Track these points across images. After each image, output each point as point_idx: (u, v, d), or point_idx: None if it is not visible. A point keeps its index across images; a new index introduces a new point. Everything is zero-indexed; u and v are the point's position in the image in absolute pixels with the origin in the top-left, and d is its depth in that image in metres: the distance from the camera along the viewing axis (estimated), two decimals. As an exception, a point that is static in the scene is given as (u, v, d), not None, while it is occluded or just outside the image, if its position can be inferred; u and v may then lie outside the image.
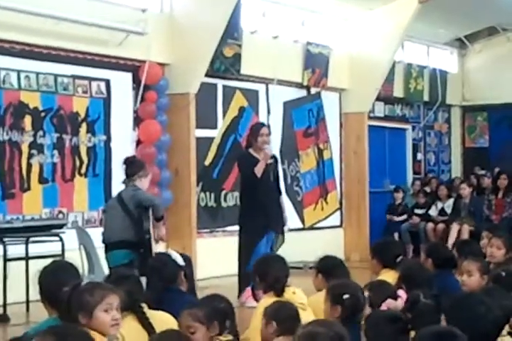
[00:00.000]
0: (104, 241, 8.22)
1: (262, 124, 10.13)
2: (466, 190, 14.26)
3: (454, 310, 3.79)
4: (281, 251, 8.76)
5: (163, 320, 4.71)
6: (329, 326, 3.72)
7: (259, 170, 9.28)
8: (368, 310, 4.63)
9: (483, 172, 16.37)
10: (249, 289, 9.23)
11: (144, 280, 5.31)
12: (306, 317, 4.91)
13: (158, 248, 8.32)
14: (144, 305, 4.72)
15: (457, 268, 6.56)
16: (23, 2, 9.39)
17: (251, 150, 9.47)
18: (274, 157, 9.74)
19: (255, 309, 5.44)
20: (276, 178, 9.66)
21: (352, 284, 4.89)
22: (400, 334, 3.93)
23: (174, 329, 4.25)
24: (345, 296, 4.59)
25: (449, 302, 3.92)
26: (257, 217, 9.24)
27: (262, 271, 5.57)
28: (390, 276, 5.86)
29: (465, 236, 13.57)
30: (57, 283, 4.20)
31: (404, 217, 14.84)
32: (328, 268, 5.85)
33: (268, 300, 5.22)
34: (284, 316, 4.52)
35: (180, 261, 5.65)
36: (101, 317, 4.00)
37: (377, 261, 6.25)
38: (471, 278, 5.78)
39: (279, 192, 9.76)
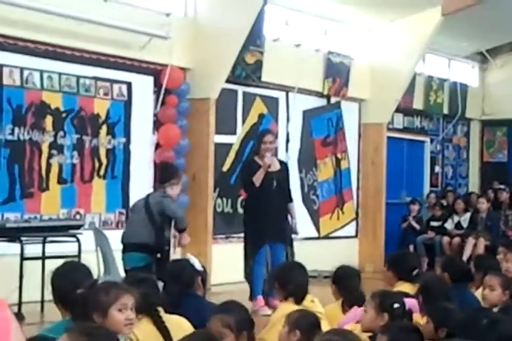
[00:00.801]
0: (122, 241, 8.23)
1: (268, 131, 10.05)
2: (484, 205, 14.21)
3: (463, 325, 3.77)
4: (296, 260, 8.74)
5: (178, 324, 4.71)
6: (345, 335, 3.74)
7: (257, 178, 9.16)
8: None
9: (501, 186, 16.30)
10: (260, 298, 9.23)
11: (160, 284, 5.31)
12: (323, 326, 4.91)
13: (176, 254, 8.33)
14: (160, 308, 4.71)
15: (473, 283, 6.55)
16: (49, 3, 9.43)
17: (256, 158, 9.37)
18: (282, 163, 9.62)
19: (274, 313, 5.44)
20: (285, 185, 9.49)
21: (399, 293, 4.91)
22: None
23: (207, 330, 4.22)
24: (396, 305, 4.61)
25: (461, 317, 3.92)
26: (256, 227, 9.18)
27: (282, 277, 5.56)
28: (405, 288, 5.82)
29: (480, 250, 13.51)
30: (70, 284, 4.18)
31: (418, 226, 14.78)
32: (341, 279, 5.85)
33: (288, 306, 5.21)
34: (307, 325, 4.52)
35: (198, 266, 5.66)
36: (115, 317, 4.00)
37: (393, 272, 6.20)
38: (493, 292, 5.76)
39: (290, 200, 9.59)
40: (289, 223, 9.57)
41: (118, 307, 4.01)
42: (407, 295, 5.17)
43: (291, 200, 9.64)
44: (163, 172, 8.69)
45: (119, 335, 4.04)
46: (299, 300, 5.38)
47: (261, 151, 9.27)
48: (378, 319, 4.59)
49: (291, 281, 5.42)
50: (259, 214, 9.17)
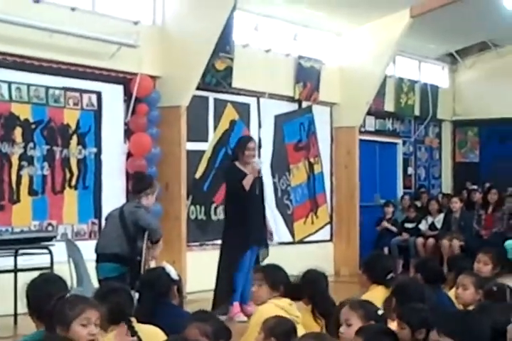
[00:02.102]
0: (96, 251, 8.20)
1: (250, 138, 10.09)
2: (457, 204, 14.29)
3: (448, 326, 3.78)
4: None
5: (152, 334, 4.70)
6: (321, 338, 3.76)
7: (247, 183, 9.24)
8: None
9: (474, 187, 16.40)
10: (236, 304, 9.23)
11: (135, 294, 5.29)
12: (299, 331, 4.93)
13: (152, 264, 8.31)
14: (132, 318, 4.71)
15: (447, 283, 6.60)
16: (15, 14, 9.39)
17: (237, 164, 9.43)
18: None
19: (252, 317, 5.46)
20: (261, 192, 9.59)
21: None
22: None
23: (183, 337, 4.22)
24: (380, 312, 4.64)
25: (443, 318, 3.93)
26: (241, 232, 9.20)
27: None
28: (378, 292, 5.86)
29: (456, 251, 13.60)
30: (45, 295, 4.18)
31: (395, 229, 14.84)
32: (308, 283, 5.88)
33: (267, 309, 5.24)
34: (283, 333, 4.53)
35: (174, 274, 5.63)
36: (77, 331, 4.00)
37: (367, 276, 6.23)
38: (465, 291, 5.85)
39: (264, 206, 9.70)
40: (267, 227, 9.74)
41: (81, 322, 4.01)
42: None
43: (264, 207, 9.77)
44: (138, 183, 8.67)
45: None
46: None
47: (244, 157, 9.34)
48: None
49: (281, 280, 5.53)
50: (245, 219, 9.23)
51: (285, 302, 5.51)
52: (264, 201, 9.73)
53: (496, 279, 6.04)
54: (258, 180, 9.47)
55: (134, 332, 4.57)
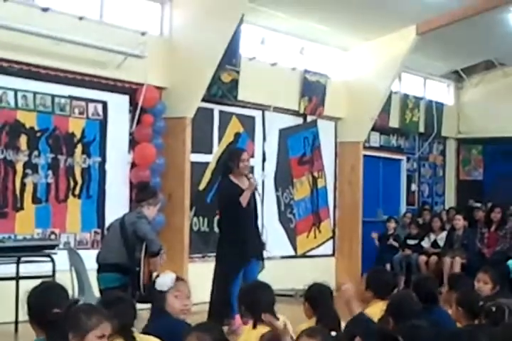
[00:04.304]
0: (97, 261, 8.17)
1: (242, 149, 10.06)
2: (460, 222, 14.26)
3: None
4: (272, 278, 8.69)
5: None
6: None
7: (244, 199, 9.13)
8: None
9: (478, 205, 16.37)
10: (238, 317, 9.18)
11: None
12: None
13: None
14: (134, 329, 4.68)
15: (446, 302, 6.54)
16: (23, 22, 9.41)
17: (232, 177, 9.27)
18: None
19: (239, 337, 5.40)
20: (255, 205, 9.51)
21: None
22: None
23: None
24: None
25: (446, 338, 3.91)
26: (238, 247, 9.13)
27: (247, 299, 5.50)
28: (379, 307, 5.80)
29: (457, 269, 13.55)
30: (46, 304, 4.15)
31: (397, 244, 14.80)
32: (314, 297, 5.81)
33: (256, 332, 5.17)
34: None
35: (169, 283, 5.55)
36: None
37: (373, 291, 6.17)
38: (486, 285, 6.04)
39: (256, 218, 9.63)
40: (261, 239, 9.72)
41: (97, 334, 3.99)
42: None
43: (257, 218, 9.74)
44: (141, 192, 8.65)
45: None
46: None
47: (239, 169, 9.22)
48: None
49: (258, 305, 5.34)
50: (242, 233, 9.16)
51: (280, 322, 5.43)
52: (257, 213, 9.63)
53: (497, 300, 5.99)
54: (251, 195, 9.37)
55: None
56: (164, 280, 5.51)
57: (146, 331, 4.97)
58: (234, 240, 9.20)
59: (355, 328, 4.81)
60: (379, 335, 4.12)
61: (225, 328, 9.00)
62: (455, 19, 13.74)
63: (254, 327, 5.21)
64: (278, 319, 5.35)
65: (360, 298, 6.37)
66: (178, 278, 5.43)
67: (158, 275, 5.64)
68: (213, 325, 4.49)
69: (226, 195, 9.37)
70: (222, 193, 9.56)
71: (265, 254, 9.73)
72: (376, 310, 5.68)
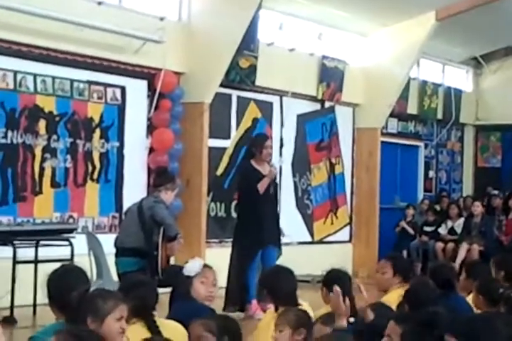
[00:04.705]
0: (115, 245, 8.21)
1: (266, 136, 10.04)
2: (479, 208, 14.22)
3: (457, 328, 3.75)
4: (288, 264, 8.72)
5: (171, 329, 4.70)
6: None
7: (262, 187, 9.17)
8: None
9: (495, 192, 16.30)
10: (255, 302, 9.21)
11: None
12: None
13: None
14: (155, 312, 4.70)
15: (465, 289, 6.53)
16: (43, 7, 9.43)
17: (253, 162, 9.31)
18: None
19: (260, 322, 5.42)
20: (275, 191, 9.54)
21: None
22: None
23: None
24: None
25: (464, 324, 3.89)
26: (256, 231, 9.15)
27: (270, 284, 5.52)
28: (398, 293, 5.79)
29: (475, 256, 13.52)
30: (66, 287, 4.19)
31: (412, 231, 14.79)
32: (332, 282, 5.81)
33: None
34: (308, 322, 4.56)
35: (197, 268, 5.57)
36: (111, 325, 4.04)
37: (402, 276, 6.18)
38: None
39: (276, 205, 9.69)
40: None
41: (115, 317, 4.06)
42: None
43: (277, 205, 9.80)
44: (159, 176, 8.68)
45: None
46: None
47: (262, 156, 9.25)
48: None
49: (280, 290, 5.37)
50: (259, 219, 9.18)
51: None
52: (278, 200, 9.70)
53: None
54: (274, 180, 9.43)
55: (155, 327, 4.57)
56: (192, 266, 5.55)
57: (169, 315, 4.98)
58: (250, 225, 9.23)
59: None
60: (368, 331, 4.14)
61: (242, 314, 9.06)
62: (475, 5, 13.65)
63: (276, 311, 5.24)
64: (300, 305, 5.38)
65: (379, 286, 6.36)
66: (206, 265, 5.46)
67: (187, 261, 5.67)
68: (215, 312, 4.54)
69: (245, 179, 9.42)
70: (242, 177, 9.60)
71: (283, 240, 9.74)
72: (395, 296, 5.68)
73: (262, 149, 9.24)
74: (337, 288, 4.71)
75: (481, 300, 5.79)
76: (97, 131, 10.42)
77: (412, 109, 15.93)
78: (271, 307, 5.71)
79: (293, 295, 5.43)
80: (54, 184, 9.91)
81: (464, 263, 11.34)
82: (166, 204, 8.36)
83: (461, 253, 13.71)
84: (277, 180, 9.71)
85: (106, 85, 10.52)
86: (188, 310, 5.19)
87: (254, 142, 9.57)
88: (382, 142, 14.96)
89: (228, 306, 9.19)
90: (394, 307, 5.26)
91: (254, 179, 9.18)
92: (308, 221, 13.71)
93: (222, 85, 11.58)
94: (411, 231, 14.75)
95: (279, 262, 9.18)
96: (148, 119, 11.04)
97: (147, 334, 4.53)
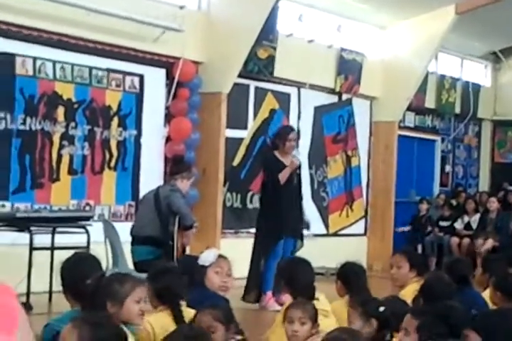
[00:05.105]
0: (132, 233, 8.21)
1: (291, 128, 10.03)
2: (495, 204, 14.20)
3: (489, 326, 3.72)
4: (303, 256, 8.70)
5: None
6: (353, 334, 3.74)
7: (283, 177, 9.19)
8: None
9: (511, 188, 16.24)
10: (269, 293, 9.20)
11: None
12: (329, 323, 4.87)
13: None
14: (182, 302, 4.68)
15: (481, 284, 6.50)
16: (63, -7, 9.41)
17: (276, 153, 9.36)
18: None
19: (280, 313, 5.39)
20: (299, 183, 9.56)
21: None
22: None
23: (199, 327, 4.21)
24: (381, 308, 4.54)
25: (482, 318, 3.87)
26: (276, 221, 9.16)
27: (288, 275, 5.51)
28: (414, 287, 5.76)
29: (488, 248, 13.51)
30: (80, 274, 4.18)
31: (429, 228, 14.74)
32: (347, 275, 5.79)
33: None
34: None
35: (212, 258, 5.55)
36: (131, 308, 4.06)
37: (417, 270, 6.16)
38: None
39: (301, 197, 9.67)
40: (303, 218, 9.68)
41: (134, 299, 4.07)
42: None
43: (301, 198, 9.72)
44: (176, 165, 8.73)
45: (129, 325, 4.06)
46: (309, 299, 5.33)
47: (285, 148, 9.28)
48: (366, 326, 4.52)
49: (298, 281, 5.36)
50: (280, 209, 9.19)
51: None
52: (301, 192, 9.68)
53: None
54: (297, 172, 9.43)
55: (181, 317, 4.54)
56: (207, 256, 5.53)
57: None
58: (271, 216, 9.24)
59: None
60: None
61: (255, 305, 9.07)
62: (495, -1, 13.58)
63: None
64: (317, 298, 5.35)
65: (395, 280, 6.31)
66: (221, 256, 5.45)
67: (202, 251, 5.66)
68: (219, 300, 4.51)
69: (267, 170, 9.44)
70: (265, 167, 9.62)
71: (307, 232, 9.75)
72: (411, 290, 5.66)
73: (286, 141, 9.29)
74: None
75: (498, 296, 5.76)
76: (115, 119, 10.41)
77: (429, 103, 15.86)
78: (286, 300, 5.70)
79: (311, 286, 5.40)
80: (71, 171, 9.90)
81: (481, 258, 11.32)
82: (182, 193, 8.36)
83: (478, 251, 13.67)
84: (297, 173, 9.64)
85: (124, 73, 10.51)
86: (202, 300, 5.17)
87: (278, 134, 9.61)
88: (399, 135, 14.91)
89: (247, 295, 9.21)
90: (409, 301, 5.24)
91: (276, 169, 9.21)
92: (324, 213, 13.68)
93: (240, 75, 11.55)
94: (427, 225, 14.67)
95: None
96: (166, 108, 11.02)
97: (171, 323, 4.53)
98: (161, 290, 4.54)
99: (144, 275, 5.15)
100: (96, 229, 8.86)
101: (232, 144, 11.81)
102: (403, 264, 6.24)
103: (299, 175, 9.60)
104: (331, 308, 5.45)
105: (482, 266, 6.98)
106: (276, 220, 9.17)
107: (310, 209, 13.17)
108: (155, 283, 4.59)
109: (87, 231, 8.74)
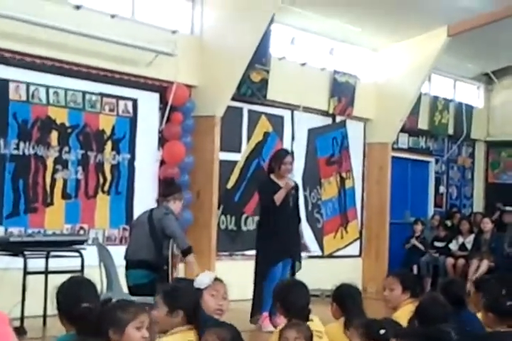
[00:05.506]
0: (126, 257, 8.21)
1: (287, 152, 10.08)
2: (488, 225, 14.21)
3: None
4: (298, 278, 8.71)
5: None
6: None
7: (278, 198, 9.23)
8: None
9: (506, 208, 16.24)
10: (265, 314, 9.21)
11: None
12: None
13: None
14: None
15: (473, 305, 6.48)
16: (56, 19, 9.48)
17: (272, 176, 9.43)
18: (295, 184, 9.71)
19: (272, 334, 5.40)
20: (296, 205, 9.61)
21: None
22: None
23: None
24: (382, 331, 4.53)
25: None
26: (273, 244, 9.20)
27: (283, 297, 5.52)
28: (409, 309, 5.75)
29: (482, 270, 13.50)
30: (75, 299, 4.18)
31: (422, 247, 14.74)
32: (342, 297, 5.78)
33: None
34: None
35: (207, 281, 5.56)
36: (132, 334, 4.03)
37: (411, 293, 6.16)
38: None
39: (299, 220, 9.73)
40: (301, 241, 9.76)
41: (136, 325, 4.05)
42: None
43: (299, 220, 9.77)
44: (168, 187, 8.73)
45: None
46: (303, 321, 5.33)
47: (280, 171, 9.35)
48: None
49: (292, 304, 5.36)
50: (277, 231, 9.23)
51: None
52: (299, 214, 9.73)
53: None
54: (292, 194, 9.46)
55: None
56: (203, 278, 5.53)
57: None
58: (268, 238, 9.30)
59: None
60: None
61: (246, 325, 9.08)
62: (487, 21, 13.64)
63: None
64: (311, 320, 5.35)
65: (389, 303, 6.31)
66: (217, 279, 5.46)
67: (197, 274, 5.67)
68: (227, 324, 4.53)
69: (263, 193, 9.48)
70: (260, 190, 9.65)
71: (305, 254, 9.76)
72: (405, 312, 5.64)
73: (281, 165, 9.37)
74: None
75: (490, 317, 5.73)
76: (109, 143, 10.45)
77: (422, 124, 15.92)
78: (281, 322, 5.69)
79: (305, 309, 5.41)
80: (65, 195, 9.93)
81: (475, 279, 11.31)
82: (176, 215, 8.37)
83: (472, 270, 13.67)
84: (298, 193, 9.71)
85: (118, 98, 10.56)
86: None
87: (274, 157, 9.70)
88: (393, 157, 14.96)
89: (252, 318, 9.34)
90: (403, 323, 5.23)
91: (272, 191, 9.25)
92: (319, 235, 13.70)
93: (233, 99, 11.62)
94: (421, 247, 14.71)
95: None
96: (160, 132, 11.07)
97: None
98: (185, 310, 4.56)
99: (140, 299, 5.14)
100: (90, 252, 8.87)
101: (226, 167, 11.85)
102: (396, 286, 6.22)
103: (297, 197, 9.64)
104: (326, 330, 5.46)
105: (475, 286, 6.97)
106: (273, 243, 9.20)
107: (304, 231, 13.19)
108: (176, 303, 4.60)
109: (81, 255, 8.75)
